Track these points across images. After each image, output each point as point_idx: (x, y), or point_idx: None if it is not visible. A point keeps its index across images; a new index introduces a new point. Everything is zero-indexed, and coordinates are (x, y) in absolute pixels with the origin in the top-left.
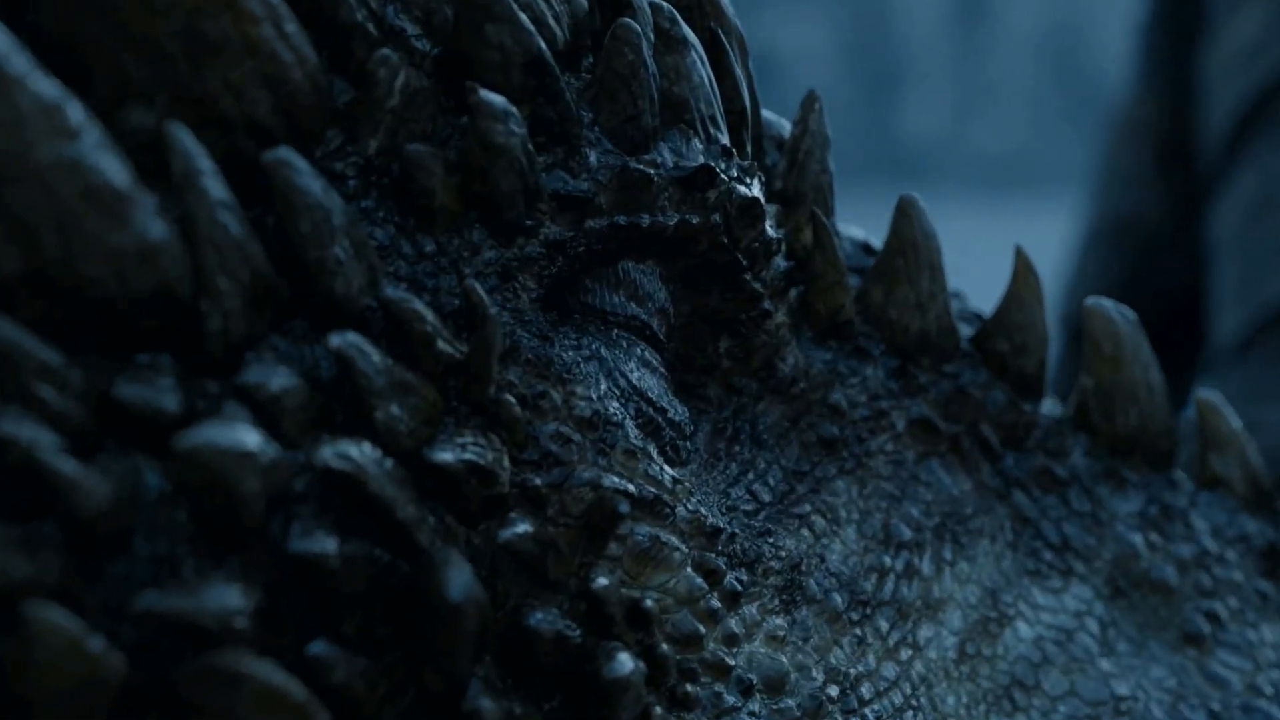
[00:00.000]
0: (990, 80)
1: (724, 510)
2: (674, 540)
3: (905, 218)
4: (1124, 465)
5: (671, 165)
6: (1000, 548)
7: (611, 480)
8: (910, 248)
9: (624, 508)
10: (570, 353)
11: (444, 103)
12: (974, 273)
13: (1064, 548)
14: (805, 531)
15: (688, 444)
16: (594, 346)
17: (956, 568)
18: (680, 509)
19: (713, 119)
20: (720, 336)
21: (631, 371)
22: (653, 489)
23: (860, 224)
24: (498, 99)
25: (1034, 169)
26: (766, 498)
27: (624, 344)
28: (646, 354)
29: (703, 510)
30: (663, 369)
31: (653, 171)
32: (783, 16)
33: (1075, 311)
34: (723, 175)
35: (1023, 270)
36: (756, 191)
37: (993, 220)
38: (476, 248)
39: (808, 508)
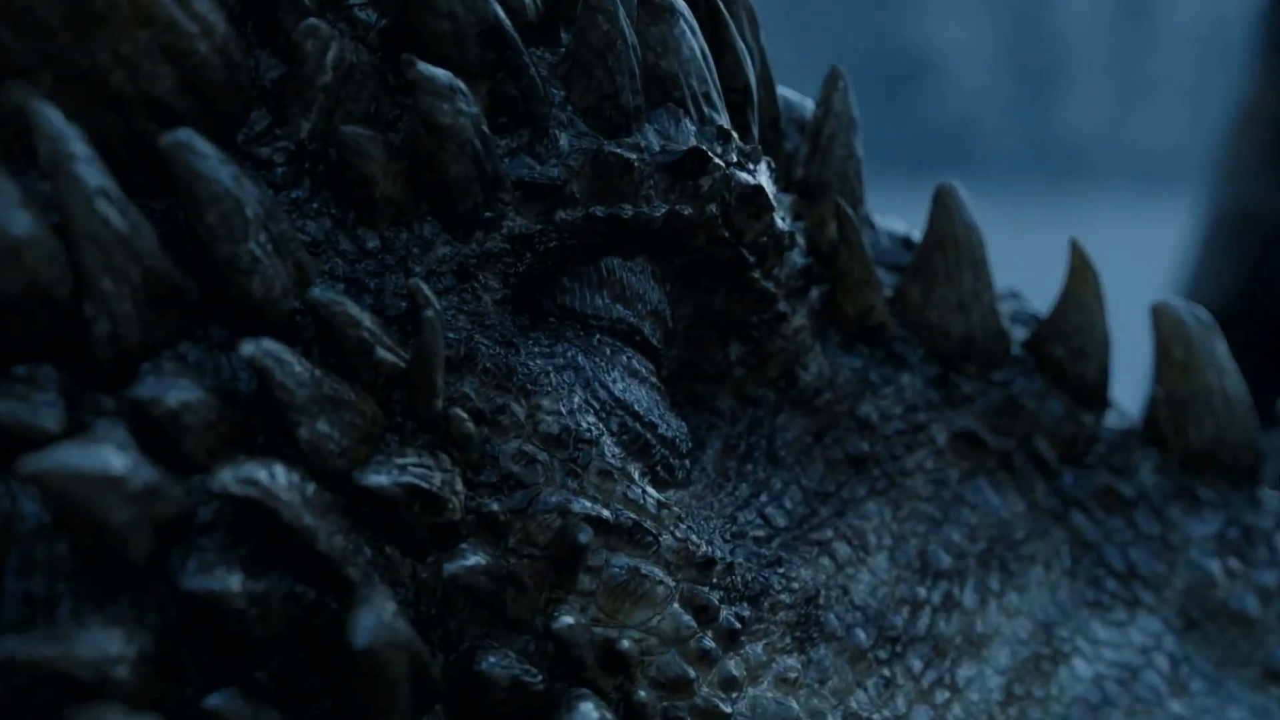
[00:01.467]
0: (1152, 76)
1: (728, 537)
2: (657, 572)
3: (943, 209)
4: (1199, 483)
5: (657, 149)
6: (1056, 576)
7: (582, 505)
8: (949, 242)
9: (584, 537)
10: (539, 361)
11: (391, 81)
12: (1135, 272)
13: (1130, 575)
14: (825, 560)
15: (685, 463)
16: (570, 354)
17: (1004, 599)
18: (666, 537)
19: (707, 97)
20: (730, 342)
21: (615, 382)
22: (632, 514)
23: (1025, 230)
24: (441, 74)
25: (1196, 165)
26: (781, 522)
27: (607, 351)
28: (635, 361)
29: (694, 538)
30: (655, 378)
31: (634, 156)
32: (941, 15)
33: None
34: (717, 160)
35: (1079, 267)
36: (762, 179)
37: (1154, 218)
38: (428, 243)
39: (830, 533)
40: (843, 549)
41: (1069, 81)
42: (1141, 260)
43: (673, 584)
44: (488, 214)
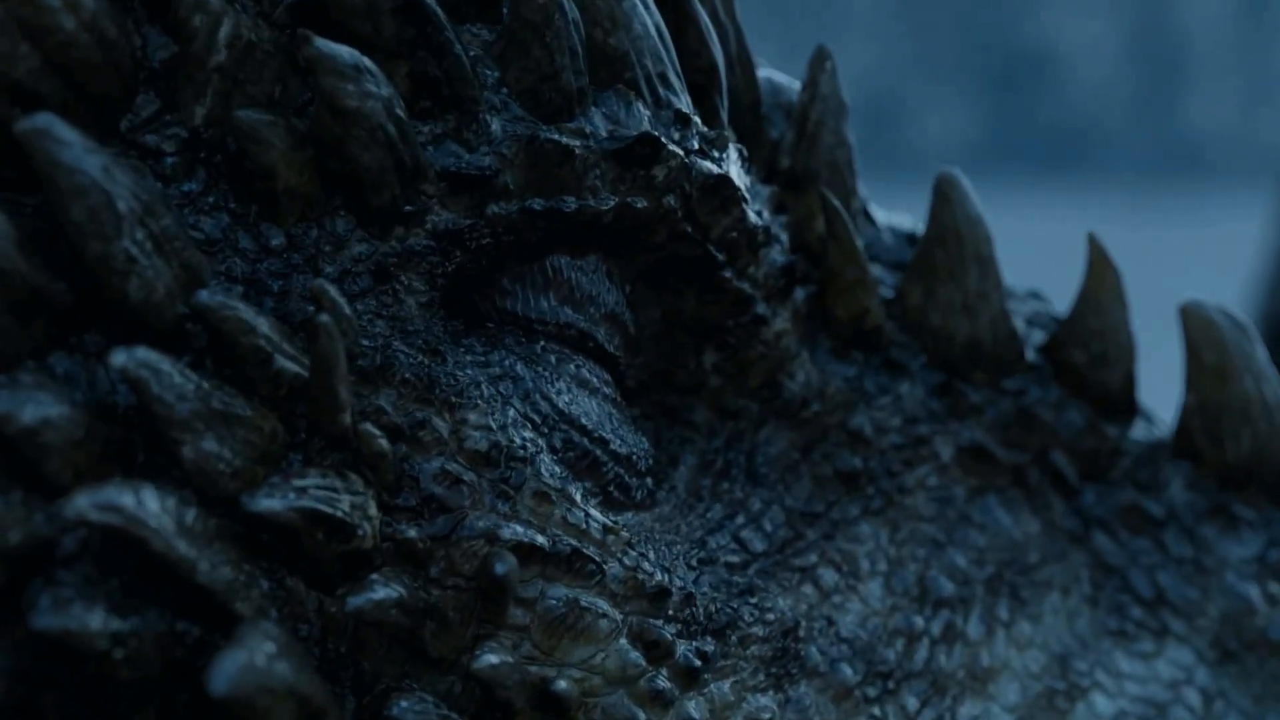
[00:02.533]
0: (1278, 72)
1: (695, 564)
2: (600, 604)
3: (944, 201)
4: (1236, 500)
5: (604, 135)
6: (1075, 603)
7: (513, 530)
8: (952, 237)
9: (501, 567)
10: (470, 371)
11: (300, 61)
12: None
13: (1158, 602)
14: (808, 588)
15: (646, 482)
16: (507, 363)
17: (1014, 629)
18: (613, 565)
19: (663, 77)
20: (704, 348)
21: (560, 393)
22: (572, 540)
23: (1147, 229)
24: (343, 51)
25: None
26: (759, 547)
27: (552, 359)
28: (585, 371)
29: (645, 565)
30: (610, 389)
31: (576, 143)
32: (1062, 12)
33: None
34: (674, 147)
35: (1097, 264)
36: (730, 169)
37: None
38: (341, 240)
39: (815, 558)
40: (829, 575)
41: (1193, 78)
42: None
43: (619, 617)
44: (408, 208)
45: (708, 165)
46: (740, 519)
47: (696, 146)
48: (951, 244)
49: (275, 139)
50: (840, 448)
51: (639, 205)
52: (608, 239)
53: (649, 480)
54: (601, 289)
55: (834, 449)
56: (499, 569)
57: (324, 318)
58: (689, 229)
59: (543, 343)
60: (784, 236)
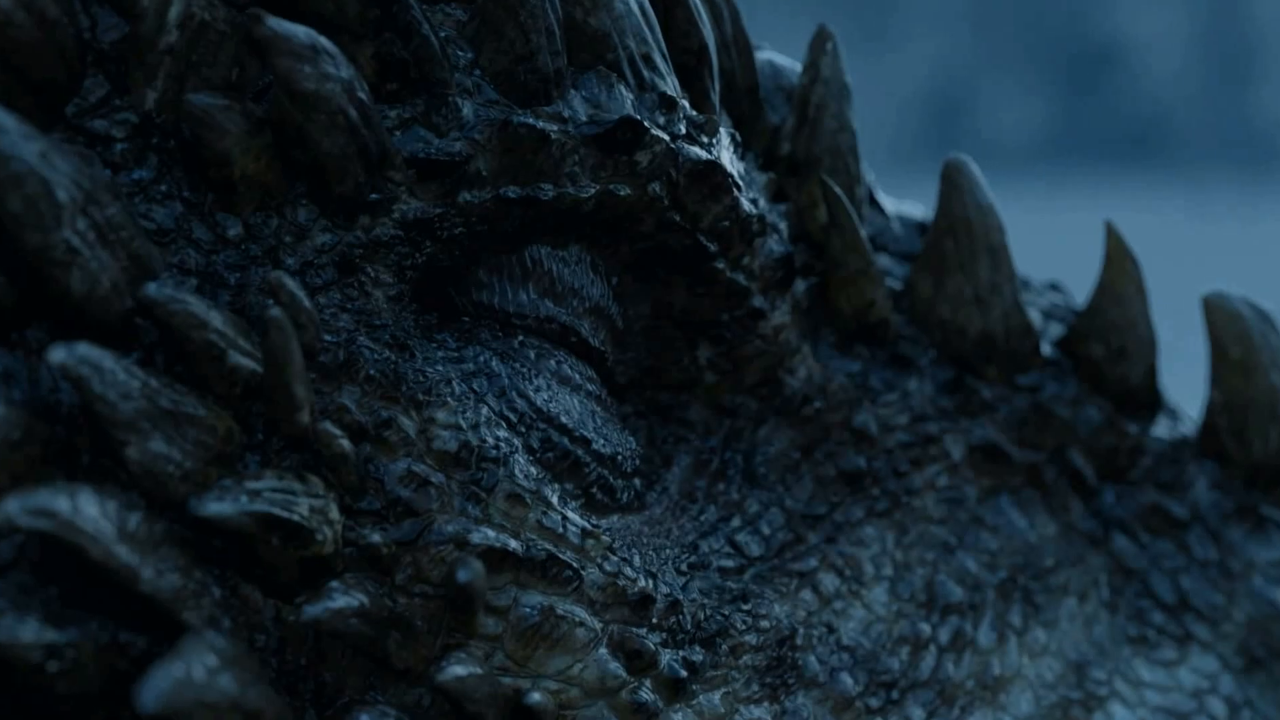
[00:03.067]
0: None
1: (684, 569)
2: (578, 612)
3: (953, 188)
4: (1264, 500)
5: (584, 119)
6: (1092, 609)
7: (484, 535)
8: (961, 227)
9: (465, 574)
10: (441, 367)
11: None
12: None
13: (1181, 607)
14: (807, 594)
15: (633, 483)
16: (482, 358)
17: (1028, 636)
18: (591, 571)
19: (647, 59)
20: (698, 343)
21: (538, 390)
22: (548, 545)
23: (1218, 223)
24: (298, 31)
25: None
26: (755, 550)
27: (530, 354)
28: (566, 367)
29: (627, 571)
30: (594, 385)
31: (554, 128)
32: (1135, 3)
33: None
34: (658, 132)
35: (1116, 255)
36: (721, 154)
37: None
38: (303, 230)
39: (814, 562)
40: (830, 581)
41: (1265, 70)
42: None
43: (599, 626)
44: (374, 196)
45: (695, 151)
46: (736, 521)
47: (683, 131)
48: (962, 234)
49: (230, 124)
50: (844, 447)
51: (622, 193)
52: (590, 228)
53: (637, 481)
54: (585, 281)
55: (837, 448)
56: (462, 576)
57: (275, 311)
58: (677, 218)
59: (521, 337)
60: (783, 226)
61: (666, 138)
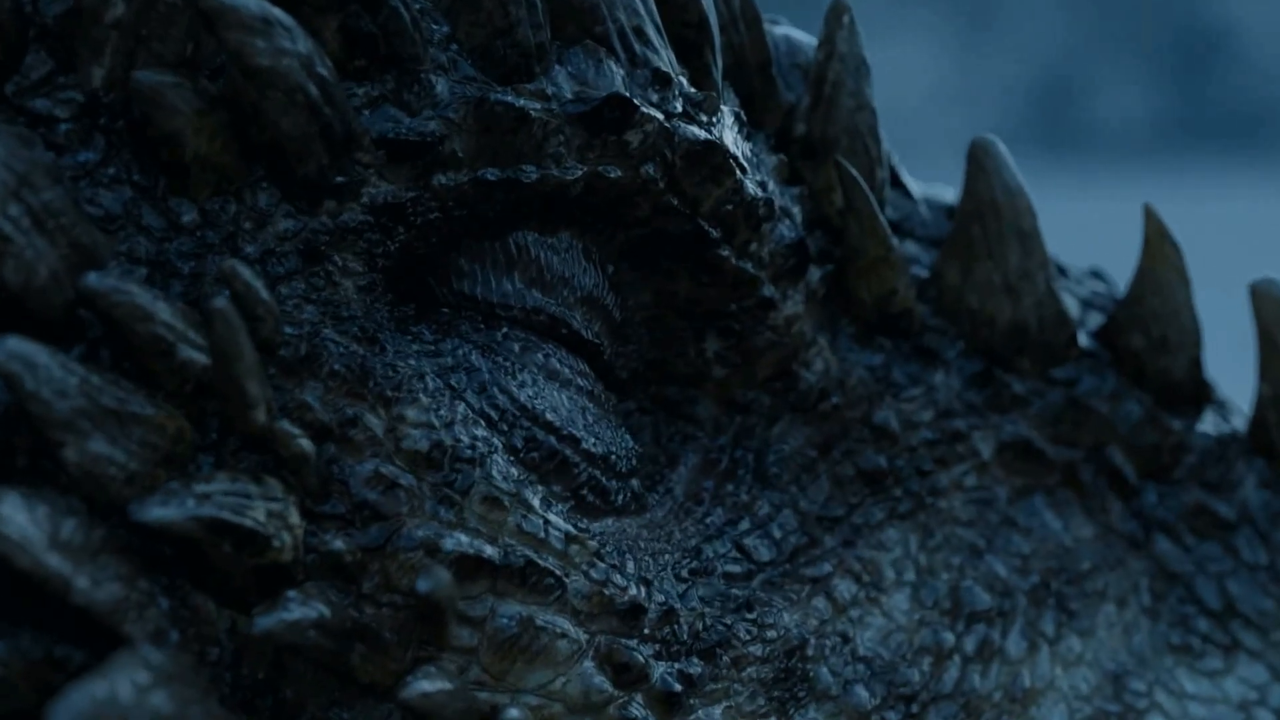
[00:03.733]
0: None
1: (685, 575)
2: (560, 623)
3: (979, 170)
4: None
5: (569, 97)
6: (1132, 615)
7: (457, 541)
8: (989, 210)
9: (426, 585)
10: (413, 361)
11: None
12: None
13: (1228, 613)
14: (820, 601)
15: (630, 484)
16: (461, 352)
17: (1061, 644)
18: (576, 578)
19: (639, 33)
20: (705, 335)
21: (522, 386)
22: (527, 551)
23: None
24: (249, 3)
25: None
26: (765, 555)
27: (515, 348)
28: (555, 361)
29: (616, 578)
30: (586, 380)
31: (535, 106)
32: None
33: None
34: (650, 110)
35: (1155, 239)
36: (723, 134)
37: None
38: (264, 216)
39: (829, 567)
40: (846, 587)
41: None
42: None
43: (584, 637)
44: (339, 179)
45: (693, 130)
46: (744, 524)
47: (679, 109)
48: (989, 218)
49: (181, 102)
50: (863, 445)
51: (612, 175)
52: (580, 213)
53: (634, 483)
54: (576, 269)
55: (856, 446)
56: (423, 586)
57: (220, 301)
58: (675, 202)
59: (505, 329)
60: (796, 210)
61: (660, 116)
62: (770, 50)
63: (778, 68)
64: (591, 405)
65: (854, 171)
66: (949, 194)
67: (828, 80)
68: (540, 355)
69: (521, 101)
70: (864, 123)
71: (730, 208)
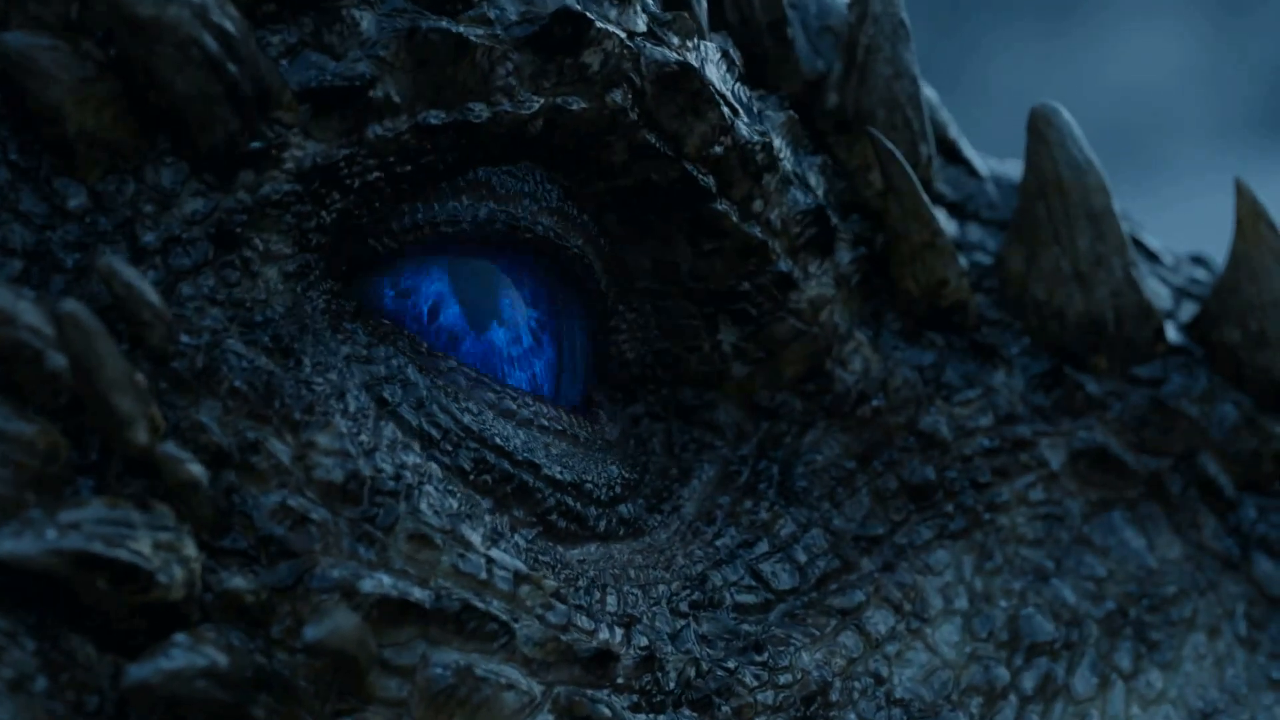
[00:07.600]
0: None
1: (685, 609)
2: (507, 672)
3: (1041, 142)
4: None
5: (513, 18)
6: (1225, 646)
7: (377, 582)
8: (1053, 189)
9: (315, 632)
10: (333, 376)
11: None
12: None
13: None
14: (850, 636)
15: (619, 509)
16: (396, 363)
17: (1139, 680)
18: (528, 624)
19: None
20: (718, 321)
21: (466, 413)
22: (464, 594)
23: None
24: None
25: None
26: (785, 582)
27: (461, 381)
28: (509, 400)
29: (580, 621)
30: (548, 420)
31: (477, 31)
32: None
33: None
34: (607, 25)
35: (1249, 219)
36: (706, 68)
37: None
38: (167, 196)
39: (862, 595)
40: (882, 618)
41: None
42: None
43: (538, 689)
44: (254, 144)
45: (661, 51)
46: (762, 546)
47: (643, 28)
48: (1054, 197)
49: (58, 69)
50: (909, 454)
51: (575, 107)
52: (546, 155)
53: (624, 508)
54: (539, 189)
55: (901, 456)
56: (311, 634)
57: (69, 304)
58: (653, 139)
59: (452, 363)
60: (814, 179)
61: (621, 33)
62: (784, 8)
63: (806, 31)
64: (558, 441)
65: (891, 146)
66: (1015, 167)
67: (860, 45)
68: (490, 394)
69: (460, 28)
70: (903, 92)
71: (719, 149)
